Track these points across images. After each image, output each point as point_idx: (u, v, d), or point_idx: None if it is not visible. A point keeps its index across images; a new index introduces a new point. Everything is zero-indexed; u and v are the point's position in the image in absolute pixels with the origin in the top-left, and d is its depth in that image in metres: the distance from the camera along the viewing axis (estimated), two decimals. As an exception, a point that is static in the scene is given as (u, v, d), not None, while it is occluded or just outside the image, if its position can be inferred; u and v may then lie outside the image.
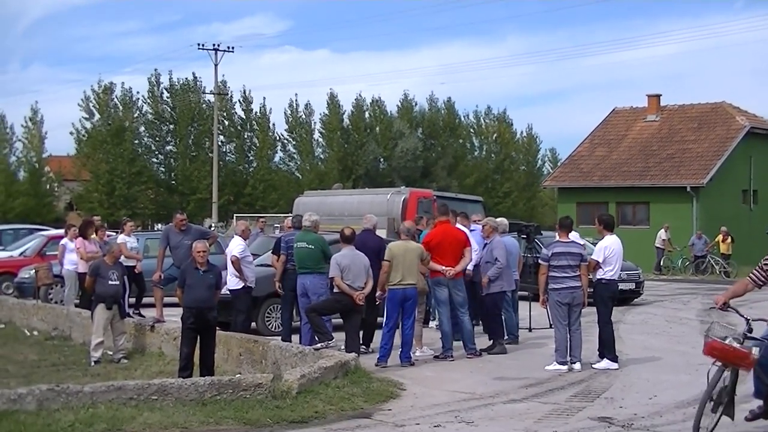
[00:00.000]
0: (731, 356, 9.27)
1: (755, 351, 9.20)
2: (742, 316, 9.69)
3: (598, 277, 14.55)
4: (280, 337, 16.11)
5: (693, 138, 46.29)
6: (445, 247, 15.25)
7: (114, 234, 24.17)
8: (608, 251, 14.48)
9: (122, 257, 18.75)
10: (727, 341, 9.34)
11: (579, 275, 14.24)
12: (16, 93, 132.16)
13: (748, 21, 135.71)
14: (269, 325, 18.23)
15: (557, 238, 14.79)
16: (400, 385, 12.70)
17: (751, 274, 9.88)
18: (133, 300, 19.02)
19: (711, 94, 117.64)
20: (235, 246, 16.55)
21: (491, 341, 16.18)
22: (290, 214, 25.04)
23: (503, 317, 16.79)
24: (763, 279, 9.79)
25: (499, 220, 18.18)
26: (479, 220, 18.41)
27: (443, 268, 15.11)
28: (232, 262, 16.36)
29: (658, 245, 40.20)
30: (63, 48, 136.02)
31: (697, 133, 46.51)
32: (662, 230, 40.48)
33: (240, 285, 16.29)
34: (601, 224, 14.95)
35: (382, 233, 21.30)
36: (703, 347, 9.55)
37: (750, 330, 9.46)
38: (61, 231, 22.73)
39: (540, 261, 14.86)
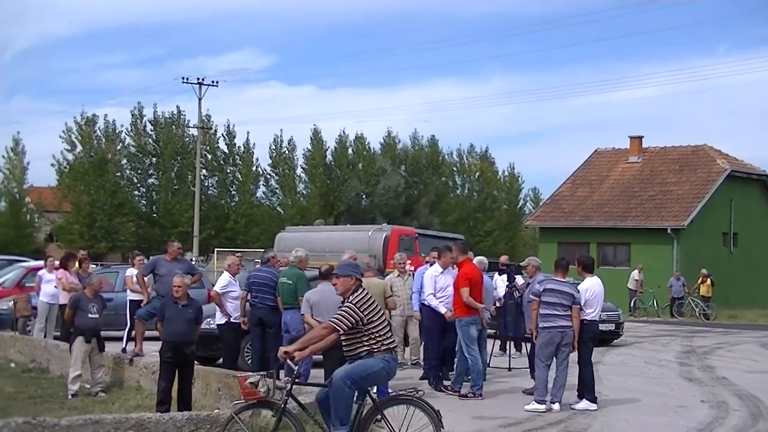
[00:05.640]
0: (241, 387, 9.57)
1: (261, 386, 9.42)
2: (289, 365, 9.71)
3: (580, 318, 14.56)
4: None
5: (674, 180, 46.58)
6: (478, 285, 15.36)
7: (96, 266, 24.07)
8: (589, 293, 14.48)
9: (129, 291, 18.92)
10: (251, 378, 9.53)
11: (569, 315, 14.20)
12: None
13: (731, 65, 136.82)
14: (248, 360, 18.14)
15: (552, 276, 14.78)
16: (377, 422, 12.64)
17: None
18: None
19: (693, 137, 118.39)
20: (219, 281, 16.54)
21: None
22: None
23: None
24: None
25: (478, 258, 18.23)
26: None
27: (481, 306, 15.20)
28: (212, 297, 16.34)
29: (630, 286, 40.23)
30: (47, 80, 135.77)
31: (678, 175, 46.81)
32: (635, 271, 40.55)
33: (224, 320, 16.27)
34: (580, 266, 14.98)
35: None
36: None
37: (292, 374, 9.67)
38: (41, 263, 22.63)
39: (531, 296, 14.82)
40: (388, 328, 9.71)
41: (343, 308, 9.52)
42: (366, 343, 9.44)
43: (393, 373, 9.74)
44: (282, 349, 9.65)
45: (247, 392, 9.42)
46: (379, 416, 9.62)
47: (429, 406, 9.63)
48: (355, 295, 9.56)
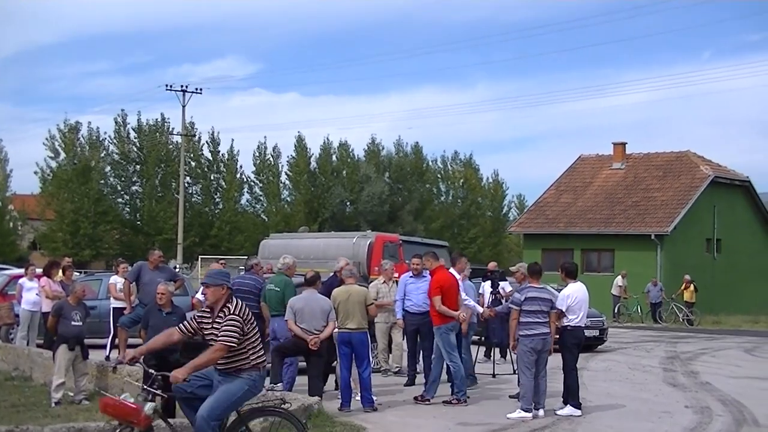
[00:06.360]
0: (122, 413, 8.94)
1: (148, 407, 8.91)
2: (149, 372, 9.29)
3: (564, 324, 14.54)
4: None
5: (658, 186, 46.73)
6: (452, 291, 15.33)
7: (80, 274, 23.98)
8: (571, 299, 14.47)
9: (112, 299, 18.97)
10: (121, 397, 9.09)
11: (548, 321, 14.24)
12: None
13: (715, 71, 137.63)
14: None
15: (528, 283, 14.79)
16: (363, 430, 12.65)
17: (180, 325, 9.62)
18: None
19: (676, 143, 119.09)
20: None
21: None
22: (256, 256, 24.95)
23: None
24: (192, 331, 9.48)
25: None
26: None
27: (456, 313, 15.16)
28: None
29: (614, 293, 40.29)
30: (31, 87, 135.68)
31: (662, 182, 46.96)
32: (619, 277, 40.62)
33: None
34: (563, 272, 14.98)
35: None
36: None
37: (154, 384, 9.12)
38: (23, 270, 22.54)
39: (511, 305, 14.79)
40: (259, 343, 9.36)
41: (226, 322, 9.05)
42: (236, 359, 9.11)
43: (258, 390, 9.42)
44: (174, 376, 9.03)
45: (147, 422, 8.92)
46: (243, 427, 9.40)
47: (295, 419, 9.58)
48: (233, 304, 9.20)
